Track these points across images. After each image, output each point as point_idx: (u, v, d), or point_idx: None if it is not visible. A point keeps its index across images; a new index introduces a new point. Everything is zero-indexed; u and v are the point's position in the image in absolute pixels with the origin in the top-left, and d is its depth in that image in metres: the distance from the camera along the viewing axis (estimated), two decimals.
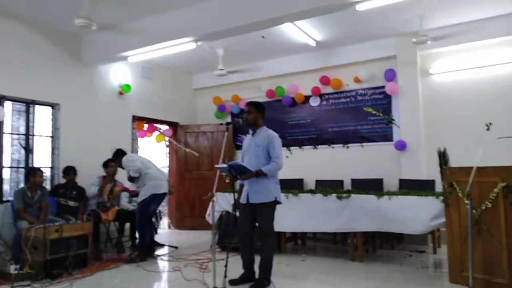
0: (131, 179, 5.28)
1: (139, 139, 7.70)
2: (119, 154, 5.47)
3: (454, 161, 5.16)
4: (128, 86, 6.76)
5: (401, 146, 6.08)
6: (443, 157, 4.47)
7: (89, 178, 5.63)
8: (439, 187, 5.27)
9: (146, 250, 5.09)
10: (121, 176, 5.73)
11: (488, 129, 3.51)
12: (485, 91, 5.75)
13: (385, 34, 6.06)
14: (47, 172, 5.59)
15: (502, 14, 5.31)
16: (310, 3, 4.28)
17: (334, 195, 4.94)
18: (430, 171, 5.76)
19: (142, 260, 4.93)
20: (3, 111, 5.09)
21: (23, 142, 5.49)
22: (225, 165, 3.72)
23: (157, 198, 5.21)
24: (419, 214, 4.38)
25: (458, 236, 3.78)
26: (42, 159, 5.73)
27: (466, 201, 3.50)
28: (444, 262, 4.67)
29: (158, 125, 7.84)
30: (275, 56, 7.13)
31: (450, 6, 5.06)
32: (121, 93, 6.72)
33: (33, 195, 4.78)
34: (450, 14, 5.32)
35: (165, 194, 5.33)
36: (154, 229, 5.60)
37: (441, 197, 4.19)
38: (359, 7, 4.23)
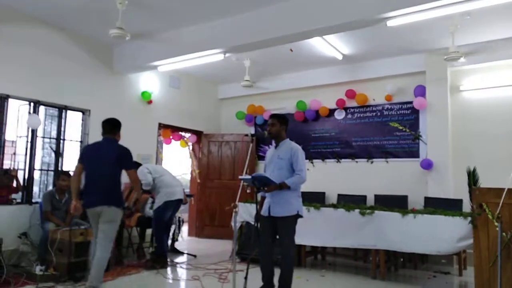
0: (145, 191, 5.36)
1: (164, 146, 7.84)
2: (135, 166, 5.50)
3: (484, 181, 5.01)
4: (148, 93, 6.90)
5: (427, 165, 5.95)
6: (472, 176, 4.34)
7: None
8: (466, 207, 5.12)
9: (161, 257, 5.11)
10: None
11: None
12: None
13: (415, 49, 5.97)
14: None
15: None
16: (341, 18, 4.29)
17: (357, 210, 4.86)
18: (457, 190, 5.60)
19: (162, 266, 4.98)
20: (38, 119, 5.30)
21: (54, 146, 5.68)
22: (249, 177, 3.73)
23: (171, 205, 5.25)
24: (445, 234, 4.25)
25: (487, 259, 3.64)
26: (71, 163, 5.90)
27: (496, 224, 3.38)
28: (470, 285, 4.49)
29: (182, 133, 7.96)
30: (301, 69, 7.15)
31: (482, 23, 4.94)
32: (150, 102, 6.87)
33: (61, 198, 4.92)
34: (482, 30, 5.19)
35: (179, 200, 5.35)
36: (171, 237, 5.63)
37: (469, 218, 4.06)
38: (390, 23, 4.20)
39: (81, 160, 3.98)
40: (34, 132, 5.39)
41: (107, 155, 3.89)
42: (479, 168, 5.24)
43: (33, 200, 5.32)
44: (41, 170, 5.65)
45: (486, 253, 3.65)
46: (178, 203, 5.39)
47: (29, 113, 5.32)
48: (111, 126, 4.06)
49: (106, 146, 3.99)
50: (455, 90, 6.06)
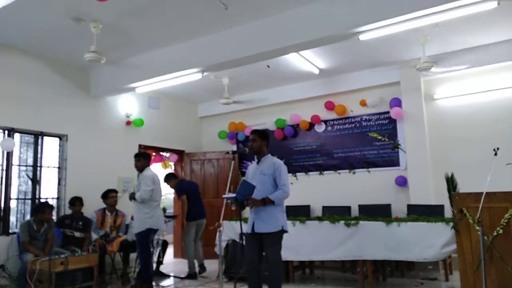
0: (133, 197, 4.97)
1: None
2: (148, 159, 5.33)
3: (463, 185, 5.12)
4: (141, 120, 6.86)
5: (402, 183, 6.18)
6: (451, 182, 4.43)
7: (95, 208, 5.63)
8: (448, 212, 5.20)
9: (147, 283, 4.89)
10: (122, 206, 5.79)
11: (495, 154, 3.47)
12: (490, 115, 5.76)
13: (389, 61, 6.14)
14: (53, 203, 5.58)
15: (503, 40, 5.37)
16: (315, 34, 4.38)
17: (342, 222, 4.87)
18: (438, 195, 5.70)
19: None
20: (13, 142, 5.17)
21: (30, 174, 5.53)
22: (232, 195, 3.72)
23: (153, 232, 5.02)
24: (429, 241, 4.30)
25: (471, 264, 3.69)
26: (48, 190, 5.75)
27: (477, 228, 3.44)
28: None
29: (164, 153, 7.88)
30: (280, 84, 7.23)
31: (452, 33, 5.13)
32: (128, 123, 6.80)
33: (39, 228, 4.76)
34: (452, 40, 5.39)
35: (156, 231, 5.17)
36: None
37: (451, 223, 4.12)
38: (363, 37, 4.32)
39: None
40: (9, 160, 5.24)
41: None
42: (458, 172, 5.36)
43: (10, 231, 5.13)
44: (17, 199, 5.47)
45: (470, 257, 3.70)
46: (156, 230, 5.17)
47: (4, 138, 5.18)
48: None
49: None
50: (429, 98, 6.23)
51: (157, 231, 5.14)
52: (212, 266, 6.21)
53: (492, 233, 3.53)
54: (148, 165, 5.18)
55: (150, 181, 4.92)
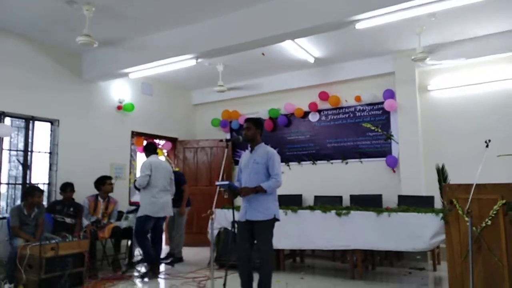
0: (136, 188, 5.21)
1: (138, 154, 7.69)
2: (151, 148, 5.38)
3: (454, 177, 5.16)
4: (131, 105, 6.79)
5: (392, 163, 6.18)
6: (442, 173, 4.46)
7: (87, 194, 5.60)
8: (438, 203, 5.26)
9: (153, 266, 5.06)
10: (114, 192, 5.78)
11: (487, 146, 3.49)
12: (483, 107, 5.78)
13: (384, 51, 6.12)
14: (44, 188, 5.55)
15: (499, 32, 5.38)
16: (311, 21, 4.34)
17: (333, 211, 4.91)
18: (429, 186, 5.74)
19: (154, 276, 4.96)
20: (9, 127, 5.12)
21: (21, 159, 5.48)
22: (225, 182, 3.72)
23: (152, 220, 5.06)
24: (419, 232, 4.34)
25: (459, 254, 3.73)
26: (39, 175, 5.71)
27: (466, 219, 3.47)
28: (444, 280, 4.60)
29: (157, 141, 7.83)
30: (275, 73, 7.19)
31: (448, 24, 5.12)
32: (119, 108, 6.73)
33: (29, 212, 4.73)
34: (448, 31, 5.39)
35: (164, 218, 5.27)
36: (159, 244, 5.46)
37: (441, 214, 4.16)
38: (359, 26, 4.28)
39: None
40: None
41: None
42: (449, 164, 5.38)
43: (0, 216, 5.10)
44: (8, 184, 5.42)
45: (458, 248, 3.74)
46: (162, 220, 5.27)
47: None
48: None
49: None
50: (423, 90, 6.23)
51: (160, 219, 5.17)
52: (204, 253, 6.24)
53: (481, 224, 3.56)
54: (151, 154, 5.31)
55: (146, 167, 5.06)
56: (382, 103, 6.44)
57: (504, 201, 3.46)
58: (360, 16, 4.10)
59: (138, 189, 5.28)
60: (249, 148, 4.00)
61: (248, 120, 4.01)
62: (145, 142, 7.48)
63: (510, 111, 5.57)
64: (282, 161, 6.93)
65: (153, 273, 5.03)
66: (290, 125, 7.37)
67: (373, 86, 6.54)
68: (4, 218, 5.00)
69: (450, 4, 3.84)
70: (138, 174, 6.75)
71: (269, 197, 3.79)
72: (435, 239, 4.24)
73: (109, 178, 5.70)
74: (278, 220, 3.83)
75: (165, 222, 5.64)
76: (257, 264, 3.75)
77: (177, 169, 6.96)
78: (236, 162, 7.76)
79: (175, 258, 5.89)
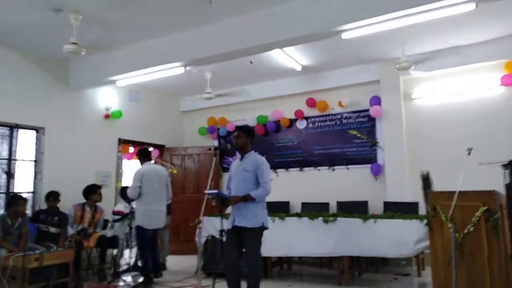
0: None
1: (125, 161, 7.63)
2: (144, 155, 5.28)
3: (439, 183, 5.22)
4: (119, 112, 6.75)
5: (376, 171, 6.32)
6: (426, 180, 4.54)
7: (72, 203, 5.53)
8: (422, 209, 5.33)
9: (149, 275, 5.00)
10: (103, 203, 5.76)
11: (469, 154, 3.58)
12: (466, 115, 5.90)
13: (369, 59, 6.22)
14: (28, 197, 5.46)
15: (480, 41, 5.53)
16: (298, 31, 4.42)
17: (320, 218, 4.94)
18: (414, 193, 5.81)
19: (147, 286, 4.89)
20: None
21: (5, 167, 5.39)
22: (214, 191, 3.75)
23: (148, 230, 4.98)
24: (404, 238, 4.41)
25: (442, 260, 3.79)
26: (24, 184, 5.62)
27: (449, 225, 3.55)
28: (429, 285, 4.66)
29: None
30: (262, 80, 7.24)
31: (431, 33, 5.24)
32: (107, 116, 6.68)
33: (13, 222, 4.65)
34: (431, 41, 5.51)
35: (156, 229, 5.14)
36: (156, 252, 5.33)
37: (425, 221, 4.23)
38: (345, 36, 4.37)
39: None
40: None
41: None
42: (433, 170, 5.44)
43: None
44: None
45: (442, 254, 3.80)
46: (156, 230, 5.15)
47: None
48: None
49: None
50: (407, 98, 6.34)
51: (152, 230, 5.04)
52: (191, 261, 6.20)
53: (464, 231, 3.63)
54: (145, 161, 5.19)
55: (136, 178, 4.97)
56: (367, 110, 6.53)
57: (485, 207, 3.54)
58: (346, 27, 4.18)
59: (124, 198, 5.25)
60: (239, 156, 4.02)
61: (238, 128, 4.04)
62: (132, 149, 7.47)
63: (491, 119, 5.70)
64: (270, 168, 7.00)
65: (145, 285, 4.94)
66: (279, 131, 7.41)
67: (359, 93, 6.64)
68: None
69: (432, 15, 3.94)
70: (124, 183, 6.76)
71: (258, 205, 3.81)
72: (420, 245, 4.31)
73: (99, 187, 5.66)
74: (266, 228, 3.86)
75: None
76: (245, 272, 3.76)
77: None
78: (224, 169, 7.77)
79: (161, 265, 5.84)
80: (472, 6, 3.74)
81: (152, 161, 5.32)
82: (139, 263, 5.57)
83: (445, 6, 3.74)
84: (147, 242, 5.00)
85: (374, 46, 5.66)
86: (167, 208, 5.56)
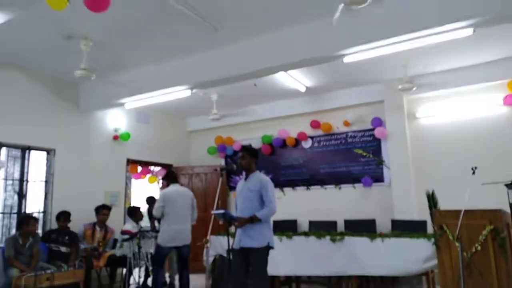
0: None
1: (134, 181, 7.73)
2: (171, 177, 5.52)
3: (446, 200, 5.25)
4: (128, 134, 6.90)
5: (368, 184, 6.51)
6: (432, 199, 4.57)
7: (82, 223, 5.61)
8: (430, 228, 5.33)
9: None
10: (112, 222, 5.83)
11: (473, 173, 3.63)
12: (470, 134, 5.95)
13: (373, 80, 6.33)
14: (39, 217, 5.55)
15: (479, 63, 5.65)
16: (301, 55, 4.55)
17: (327, 237, 4.96)
18: (421, 211, 5.83)
19: None
20: (2, 161, 5.17)
21: (17, 188, 5.50)
22: (221, 211, 3.82)
23: (164, 249, 5.12)
24: (412, 256, 4.41)
25: (451, 279, 3.80)
26: (35, 204, 5.72)
27: (457, 244, 3.57)
28: None
29: (152, 167, 7.90)
30: (267, 101, 7.37)
31: (432, 56, 5.36)
32: (115, 138, 6.82)
33: (24, 242, 4.73)
34: (433, 62, 5.63)
35: (183, 246, 5.21)
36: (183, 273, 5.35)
37: (433, 239, 4.24)
38: (346, 60, 4.50)
39: None
40: None
41: None
42: (440, 188, 5.47)
43: None
44: (3, 213, 5.43)
45: (450, 273, 3.81)
46: (176, 248, 5.23)
47: None
48: None
49: None
50: (412, 117, 6.42)
51: (179, 248, 5.18)
52: (199, 280, 6.20)
53: (471, 250, 3.65)
54: (171, 183, 5.39)
55: (160, 199, 5.25)
56: (372, 129, 6.61)
57: (492, 226, 3.57)
58: (347, 51, 4.32)
59: (132, 218, 5.62)
60: (244, 176, 4.10)
61: (243, 149, 4.14)
62: (140, 168, 7.57)
63: (494, 136, 5.76)
64: (276, 187, 7.05)
65: None
66: (285, 149, 7.48)
67: (364, 113, 6.73)
68: None
69: (432, 40, 4.05)
70: (132, 203, 6.89)
71: (263, 225, 3.86)
72: (428, 264, 4.30)
73: (105, 207, 5.74)
74: (272, 247, 3.89)
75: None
76: None
77: None
78: (231, 188, 7.83)
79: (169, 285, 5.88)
80: (469, 31, 3.85)
81: (178, 184, 5.49)
82: (149, 282, 5.62)
83: (444, 31, 3.85)
84: (161, 259, 5.16)
85: (376, 68, 5.78)
86: None
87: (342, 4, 3.56)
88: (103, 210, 5.65)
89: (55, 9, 3.16)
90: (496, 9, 3.56)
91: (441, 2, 3.77)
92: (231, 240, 3.93)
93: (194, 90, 5.65)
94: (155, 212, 5.24)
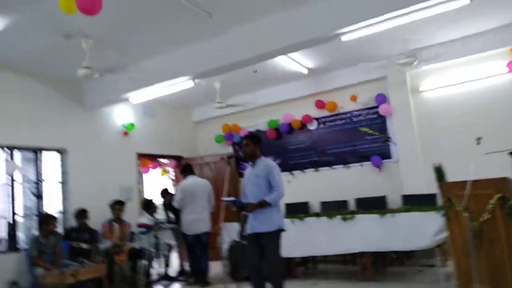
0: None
1: (144, 175, 7.86)
2: (187, 169, 5.89)
3: (454, 173, 5.26)
4: (132, 124, 7.00)
5: (377, 164, 6.50)
6: (439, 172, 4.59)
7: (100, 219, 5.78)
8: (440, 200, 5.37)
9: (198, 276, 5.50)
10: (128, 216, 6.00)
11: (478, 143, 3.64)
12: (474, 104, 5.92)
13: (374, 57, 6.29)
14: (58, 216, 5.72)
15: (479, 32, 5.58)
16: (298, 37, 4.56)
17: (338, 217, 5.05)
18: (431, 184, 5.83)
19: (203, 284, 5.38)
20: (14, 164, 5.32)
21: (33, 190, 5.66)
22: (231, 198, 3.92)
23: (189, 236, 5.53)
24: (422, 230, 4.48)
25: (462, 249, 3.83)
26: (53, 204, 5.89)
27: (465, 214, 3.62)
28: (453, 275, 4.71)
29: (162, 160, 8.03)
30: (271, 85, 7.37)
31: (431, 28, 5.30)
32: (125, 133, 6.94)
33: (46, 241, 4.91)
34: (433, 34, 5.57)
35: (202, 234, 5.50)
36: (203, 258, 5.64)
37: (442, 212, 4.29)
38: (344, 38, 4.49)
39: None
40: (12, 178, 5.38)
41: None
42: (447, 160, 5.46)
43: (19, 247, 5.27)
44: (24, 215, 5.61)
45: (461, 243, 3.83)
46: (198, 236, 5.51)
47: (6, 160, 5.32)
48: None
49: None
50: (415, 91, 6.39)
51: (198, 236, 5.50)
52: (216, 267, 6.36)
53: (480, 219, 3.69)
54: (188, 175, 5.79)
55: (178, 192, 5.67)
56: (377, 107, 6.61)
57: (499, 194, 3.59)
58: (344, 29, 4.32)
59: (147, 211, 5.98)
60: (250, 163, 4.18)
61: (246, 137, 4.21)
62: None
63: (499, 104, 5.72)
64: (285, 170, 7.18)
65: (200, 284, 5.42)
66: (291, 134, 7.53)
67: (368, 91, 6.71)
68: (23, 249, 5.16)
69: (430, 12, 4.02)
70: (146, 196, 7.06)
71: (272, 209, 3.94)
72: (439, 236, 4.38)
73: (118, 202, 5.88)
74: (283, 230, 3.98)
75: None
76: (267, 274, 3.90)
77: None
78: (241, 175, 7.91)
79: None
80: (466, 0, 3.81)
81: (194, 175, 5.86)
82: (169, 272, 5.83)
83: (441, 2, 3.81)
84: (190, 246, 5.59)
85: (376, 44, 5.73)
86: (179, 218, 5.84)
87: None
88: (116, 206, 5.80)
89: (68, 13, 3.34)
90: None
91: None
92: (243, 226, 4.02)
93: (196, 80, 5.70)
94: (176, 204, 5.57)
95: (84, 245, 5.38)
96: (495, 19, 5.26)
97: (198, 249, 5.56)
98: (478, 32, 5.59)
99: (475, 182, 3.59)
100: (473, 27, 5.48)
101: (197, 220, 5.50)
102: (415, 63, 5.56)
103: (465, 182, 3.60)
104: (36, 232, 5.23)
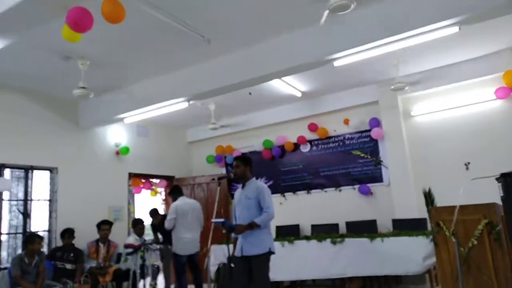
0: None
1: (136, 195, 7.79)
2: (176, 191, 5.87)
3: (443, 198, 5.27)
4: (127, 148, 6.99)
5: (365, 192, 6.55)
6: (428, 196, 4.60)
7: (88, 239, 5.70)
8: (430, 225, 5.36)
9: None
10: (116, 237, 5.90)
11: (467, 168, 3.68)
12: (463, 129, 5.98)
13: (367, 81, 6.39)
14: (44, 235, 5.64)
15: (468, 59, 5.71)
16: (292, 62, 4.66)
17: (328, 240, 5.01)
18: (421, 209, 5.83)
19: None
20: (8, 182, 5.27)
21: (21, 208, 5.60)
22: (220, 220, 3.88)
23: (181, 257, 5.48)
24: (411, 255, 4.45)
25: (450, 275, 3.81)
26: (39, 223, 5.81)
27: (453, 240, 3.60)
28: None
29: (154, 180, 7.99)
30: (264, 108, 7.45)
31: (422, 54, 5.42)
32: (117, 153, 6.92)
33: (30, 261, 4.80)
34: (423, 61, 5.69)
35: (188, 256, 5.52)
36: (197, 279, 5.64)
37: (431, 237, 4.27)
38: (337, 63, 4.58)
39: None
40: (0, 195, 5.32)
41: None
42: (438, 184, 5.50)
43: (2, 266, 5.16)
44: (8, 234, 5.52)
45: (449, 269, 3.83)
46: (189, 257, 5.54)
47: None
48: None
49: None
50: (407, 115, 6.47)
51: (190, 256, 5.53)
52: None
53: (468, 245, 3.68)
54: (178, 196, 5.80)
55: (171, 211, 5.61)
56: (369, 130, 6.67)
57: (487, 220, 3.59)
58: (337, 55, 4.40)
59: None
60: (241, 185, 4.17)
61: (236, 158, 4.21)
62: (141, 189, 7.64)
63: (488, 131, 5.77)
64: (277, 192, 7.16)
65: None
66: (284, 156, 7.56)
67: (360, 114, 6.78)
68: (5, 268, 5.06)
69: (420, 39, 4.12)
70: (136, 215, 6.96)
71: (262, 231, 3.91)
72: (428, 261, 4.34)
73: (106, 223, 5.81)
74: (273, 253, 3.94)
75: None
76: None
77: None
78: (233, 196, 7.87)
79: None
80: (455, 29, 3.92)
81: (184, 196, 5.88)
82: None
83: (430, 30, 3.92)
84: (181, 267, 5.50)
85: (369, 69, 5.84)
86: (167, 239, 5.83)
87: (327, 11, 3.66)
88: (103, 226, 5.73)
89: (71, 42, 3.55)
90: (479, 5, 3.62)
91: (426, 1, 3.84)
92: (231, 248, 3.98)
93: (191, 102, 5.75)
94: (167, 224, 5.53)
95: (69, 266, 5.28)
96: (483, 46, 5.39)
97: (188, 270, 5.55)
98: (467, 59, 5.72)
99: (463, 207, 3.59)
100: (463, 54, 5.61)
101: (191, 240, 5.57)
102: (406, 88, 5.65)
103: (453, 207, 3.59)
104: (20, 251, 5.13)
